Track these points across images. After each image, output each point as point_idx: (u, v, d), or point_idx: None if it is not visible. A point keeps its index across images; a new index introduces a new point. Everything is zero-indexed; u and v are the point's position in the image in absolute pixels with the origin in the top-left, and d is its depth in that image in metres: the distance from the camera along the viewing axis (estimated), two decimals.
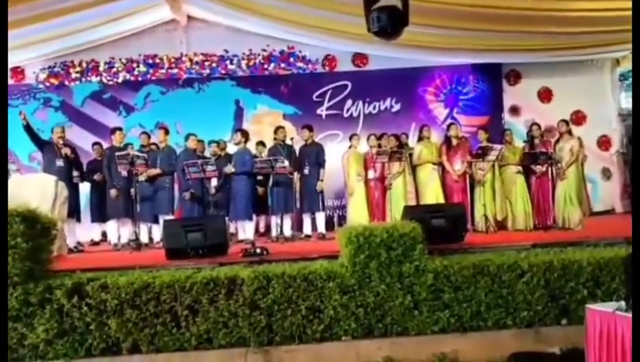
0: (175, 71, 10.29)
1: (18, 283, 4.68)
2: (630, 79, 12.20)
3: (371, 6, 4.07)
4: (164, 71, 10.28)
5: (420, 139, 8.31)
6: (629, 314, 3.51)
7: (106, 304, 4.76)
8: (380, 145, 8.27)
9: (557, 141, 7.86)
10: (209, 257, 5.73)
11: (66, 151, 7.66)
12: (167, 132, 8.18)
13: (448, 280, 5.00)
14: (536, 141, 7.96)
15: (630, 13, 7.59)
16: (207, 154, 8.60)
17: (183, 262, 5.55)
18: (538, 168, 7.74)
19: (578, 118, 10.42)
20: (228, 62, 10.32)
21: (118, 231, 7.88)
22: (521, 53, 9.75)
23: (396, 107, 10.47)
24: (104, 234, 8.74)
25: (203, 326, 4.79)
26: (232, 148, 8.77)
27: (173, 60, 10.27)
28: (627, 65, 10.97)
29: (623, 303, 3.67)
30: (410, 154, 8.26)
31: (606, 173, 10.53)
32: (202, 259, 5.68)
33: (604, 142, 10.64)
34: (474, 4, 7.39)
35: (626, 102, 11.89)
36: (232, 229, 8.13)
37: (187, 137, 8.21)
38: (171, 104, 10.26)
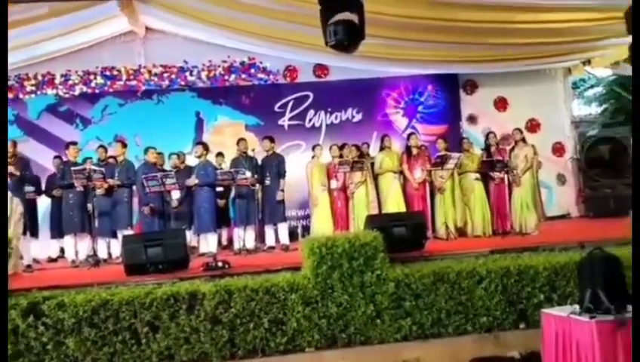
0: (133, 83, 10.13)
1: None
2: (581, 88, 12.67)
3: (328, 20, 4.12)
4: (122, 83, 10.11)
5: (382, 148, 8.40)
6: (583, 318, 3.62)
7: (63, 323, 4.65)
8: (341, 155, 8.33)
9: (512, 149, 8.07)
10: (169, 272, 5.65)
11: (16, 168, 7.12)
12: (124, 145, 8.03)
13: (409, 288, 5.07)
14: (493, 149, 8.16)
15: (581, 25, 7.93)
16: (166, 167, 8.50)
17: (143, 278, 5.46)
18: (495, 175, 7.93)
19: (533, 125, 10.71)
20: (187, 73, 10.23)
21: (76, 246, 7.67)
22: (477, 63, 9.99)
23: (357, 117, 10.56)
24: (62, 251, 8.51)
25: (164, 343, 4.73)
26: (192, 161, 8.69)
27: (131, 72, 10.12)
28: (578, 74, 11.37)
29: (577, 307, 3.78)
30: (372, 164, 8.36)
31: (561, 179, 10.84)
32: (162, 274, 5.60)
33: (558, 149, 10.96)
34: (431, 17, 7.54)
35: (578, 109, 12.33)
36: (194, 243, 8.04)
37: (146, 150, 8.09)
38: (130, 116, 10.09)
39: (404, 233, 5.90)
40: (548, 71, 10.84)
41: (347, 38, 4.13)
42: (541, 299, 5.07)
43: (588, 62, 10.39)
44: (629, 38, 5.18)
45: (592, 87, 12.65)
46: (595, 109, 12.56)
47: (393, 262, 5.23)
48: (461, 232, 7.89)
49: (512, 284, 5.12)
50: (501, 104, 10.92)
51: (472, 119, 10.85)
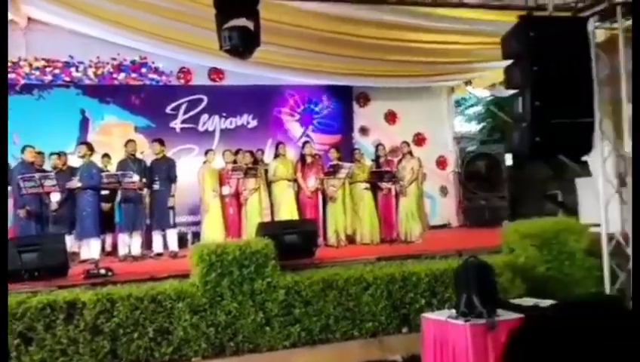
0: (12, 76, 9.35)
1: None
2: (463, 106, 13.60)
3: (223, 24, 4.09)
4: None
5: (276, 156, 8.44)
6: (459, 321, 3.87)
7: None
8: (235, 161, 8.27)
9: (400, 160, 8.46)
10: (46, 279, 5.28)
11: None
12: None
13: (299, 295, 5.14)
14: (382, 160, 8.52)
15: (464, 47, 8.48)
16: (46, 167, 7.93)
17: (16, 286, 5.04)
18: (384, 185, 8.27)
19: (419, 139, 11.28)
20: (73, 69, 9.61)
21: None
22: (370, 77, 10.35)
23: (253, 123, 10.51)
24: None
25: (38, 356, 4.42)
26: (75, 161, 8.19)
27: (10, 64, 9.34)
28: (461, 93, 12.17)
29: (453, 311, 4.04)
30: (266, 171, 8.37)
31: (444, 191, 11.50)
32: (38, 281, 5.22)
33: (441, 162, 11.62)
34: (328, 29, 7.72)
35: (460, 126, 13.19)
36: (75, 248, 7.56)
37: (23, 149, 7.50)
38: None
39: (295, 240, 5.96)
40: (433, 89, 11.50)
41: (242, 44, 4.13)
42: (422, 304, 5.34)
43: (469, 82, 11.17)
44: (504, 63, 5.69)
45: (472, 105, 13.61)
46: (474, 127, 13.53)
47: (284, 270, 5.28)
48: (351, 240, 8.13)
49: (397, 290, 5.36)
50: (391, 117, 11.38)
51: (363, 131, 11.21)
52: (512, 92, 5.17)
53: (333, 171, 7.84)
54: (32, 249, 5.40)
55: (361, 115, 11.29)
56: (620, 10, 5.24)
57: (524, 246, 5.87)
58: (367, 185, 8.31)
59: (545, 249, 5.81)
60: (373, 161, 8.85)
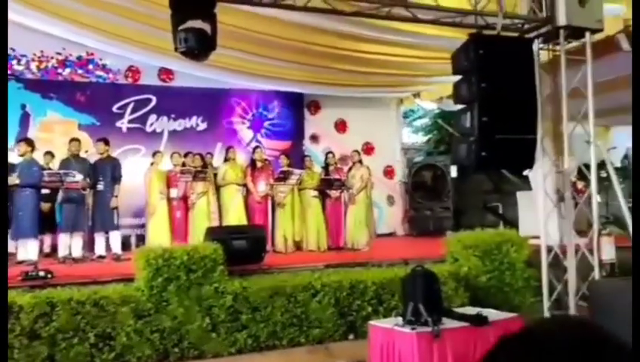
0: None
1: None
2: (410, 117, 13.90)
3: (178, 25, 4.04)
4: None
5: (226, 159, 8.39)
6: (405, 329, 3.95)
7: None
8: (184, 164, 8.14)
9: (350, 169, 8.56)
10: None
11: None
12: None
13: (247, 301, 5.10)
14: (331, 168, 8.59)
15: (412, 60, 8.69)
16: None
17: None
18: (333, 193, 8.35)
19: (368, 148, 11.44)
20: (15, 62, 9.21)
21: None
22: (321, 85, 10.44)
23: (202, 126, 10.37)
24: None
25: None
26: (14, 158, 7.84)
27: None
28: (409, 105, 12.44)
29: (400, 319, 4.11)
30: (215, 175, 8.28)
31: (390, 200, 11.70)
32: None
33: (389, 172, 11.83)
34: (282, 36, 7.74)
35: (407, 137, 13.48)
36: (11, 249, 7.21)
37: None
38: None
39: (244, 246, 5.92)
40: (383, 99, 11.70)
41: (198, 47, 4.08)
42: (369, 312, 5.41)
43: (417, 94, 11.43)
44: (452, 78, 5.87)
45: (419, 117, 13.93)
46: (421, 138, 13.84)
47: (232, 275, 5.24)
48: (298, 246, 8.15)
49: (344, 298, 5.41)
50: (341, 126, 11.50)
51: (314, 138, 11.27)
52: (459, 106, 5.34)
53: (283, 177, 7.84)
54: None
55: (312, 123, 11.35)
56: (562, 33, 5.51)
57: (467, 256, 6.04)
58: (316, 193, 8.37)
59: (487, 259, 6.01)
60: (322, 168, 8.91)
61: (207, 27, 4.00)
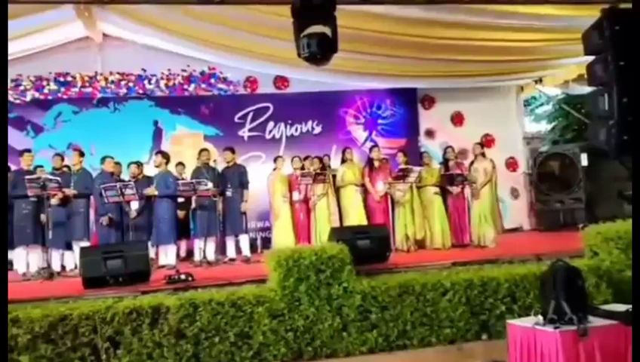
0: (89, 90, 9.86)
1: None
2: (532, 105, 13.17)
3: (301, 32, 4.13)
4: (76, 89, 9.81)
5: (343, 161, 8.45)
6: (548, 328, 3.73)
7: (17, 339, 4.41)
8: (303, 167, 8.34)
9: (471, 163, 8.26)
10: (130, 285, 5.48)
11: None
12: (81, 154, 7.79)
13: (376, 300, 5.08)
14: (451, 163, 8.34)
15: (534, 45, 8.23)
16: (123, 176, 8.28)
17: (102, 292, 5.27)
18: (454, 189, 8.10)
19: (487, 140, 10.98)
20: (146, 81, 10.03)
21: (27, 258, 7.35)
22: (436, 78, 10.23)
23: (317, 129, 10.59)
24: (10, 263, 8.12)
25: (125, 359, 4.55)
26: (150, 170, 8.50)
27: (87, 79, 9.84)
28: (530, 92, 11.80)
29: (540, 318, 3.89)
30: (334, 176, 8.39)
31: (514, 193, 11.17)
32: (122, 287, 5.42)
33: (511, 164, 11.30)
34: (393, 32, 7.67)
35: (529, 126, 12.78)
36: (152, 254, 7.83)
37: (103, 159, 7.86)
38: (85, 124, 9.78)
39: (368, 245, 5.93)
40: (501, 88, 11.20)
41: (320, 51, 4.15)
42: (503, 310, 5.17)
43: (539, 80, 10.80)
44: (579, 59, 5.43)
45: (542, 105, 13.16)
46: (545, 126, 13.06)
47: (359, 275, 5.25)
48: (420, 245, 8.01)
49: (475, 296, 5.21)
50: (457, 119, 11.18)
51: (429, 133, 11.07)
52: (586, 90, 4.95)
53: (402, 175, 7.74)
54: (116, 255, 5.61)
55: (427, 118, 11.16)
56: None
57: (608, 249, 5.59)
58: (437, 189, 8.17)
59: (630, 251, 5.51)
60: (441, 163, 8.69)
61: (328, 30, 4.06)
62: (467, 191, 8.12)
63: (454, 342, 5.21)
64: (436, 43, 8.21)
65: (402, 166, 8.02)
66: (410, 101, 11.03)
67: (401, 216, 7.94)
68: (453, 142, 9.52)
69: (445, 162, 8.44)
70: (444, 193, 8.26)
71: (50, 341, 4.47)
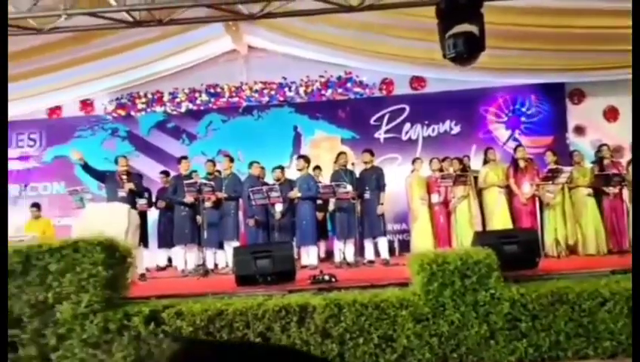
0: (235, 99, 10.55)
1: (98, 310, 4.81)
2: None
3: (446, 32, 4.05)
4: (224, 100, 10.57)
5: (486, 161, 8.13)
6: None
7: (180, 331, 4.81)
8: (441, 169, 8.16)
9: (629, 161, 7.54)
10: (277, 284, 5.74)
11: (128, 181, 7.10)
12: (232, 159, 8.38)
13: (525, 308, 4.82)
14: (606, 161, 7.69)
15: None
16: (267, 180, 8.71)
17: (253, 289, 5.58)
18: (610, 190, 7.45)
19: None
20: (286, 89, 10.49)
21: (185, 256, 8.04)
22: (585, 71, 9.49)
23: (456, 129, 10.33)
24: (169, 260, 8.94)
25: None
26: (291, 174, 8.87)
27: (233, 89, 10.54)
28: None
29: None
30: (475, 178, 8.11)
31: None
32: (270, 285, 5.69)
33: None
34: (540, 24, 7.26)
35: None
36: (296, 254, 8.15)
37: (250, 164, 8.37)
38: (232, 132, 10.50)
39: (515, 251, 5.64)
40: None
41: (467, 50, 4.03)
42: None
43: None
44: None
45: None
46: None
47: (506, 281, 5.02)
48: (572, 250, 7.47)
49: None
50: (611, 114, 10.28)
51: (578, 130, 10.28)
52: None
53: (551, 176, 7.26)
54: (264, 255, 5.90)
55: (576, 113, 10.39)
56: None
57: None
58: (590, 191, 7.57)
59: None
60: (593, 163, 8.04)
61: (474, 29, 3.93)
62: (625, 192, 7.41)
63: (615, 357, 4.79)
64: (582, 33, 7.70)
65: (552, 166, 7.52)
66: (556, 96, 10.34)
67: (551, 220, 7.47)
68: (607, 139, 8.80)
69: (599, 161, 7.80)
70: (598, 194, 7.62)
71: (208, 333, 4.81)
